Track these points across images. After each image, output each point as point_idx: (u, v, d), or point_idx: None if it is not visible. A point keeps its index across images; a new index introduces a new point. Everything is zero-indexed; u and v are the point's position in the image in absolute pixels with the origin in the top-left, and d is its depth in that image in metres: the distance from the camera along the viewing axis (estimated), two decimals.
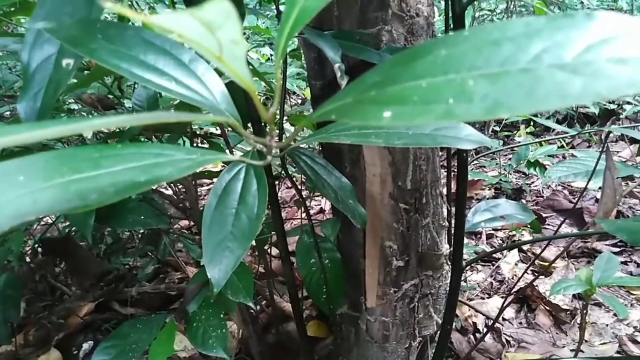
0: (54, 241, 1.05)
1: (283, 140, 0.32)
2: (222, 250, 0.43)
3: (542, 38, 0.19)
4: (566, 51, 0.18)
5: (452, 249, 0.85)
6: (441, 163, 0.89)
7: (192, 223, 1.71)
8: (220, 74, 0.34)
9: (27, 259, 1.24)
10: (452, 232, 0.85)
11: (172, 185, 1.03)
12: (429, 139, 0.37)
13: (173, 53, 0.32)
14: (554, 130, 2.65)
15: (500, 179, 2.14)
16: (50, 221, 1.18)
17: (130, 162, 0.23)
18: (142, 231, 1.47)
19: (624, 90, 0.16)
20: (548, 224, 1.82)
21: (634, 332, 1.21)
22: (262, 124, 0.65)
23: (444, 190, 0.91)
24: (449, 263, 0.92)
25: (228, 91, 0.37)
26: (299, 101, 2.76)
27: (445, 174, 1.00)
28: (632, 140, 2.40)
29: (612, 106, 2.86)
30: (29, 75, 0.35)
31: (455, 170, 0.78)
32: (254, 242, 1.41)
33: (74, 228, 1.29)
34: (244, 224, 0.44)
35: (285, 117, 0.93)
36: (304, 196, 1.02)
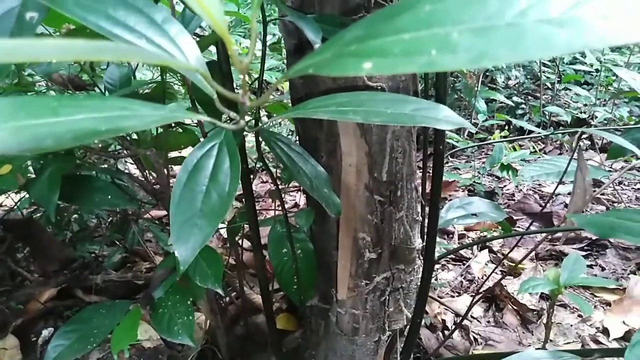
0: (16, 222, 1.01)
1: (258, 99, 0.30)
2: (190, 228, 0.42)
3: None
4: (552, 7, 0.18)
5: (424, 243, 0.85)
6: (418, 161, 0.89)
7: (163, 213, 1.67)
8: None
9: None
10: (426, 227, 0.85)
11: (144, 171, 1.00)
12: (408, 118, 0.37)
13: (145, 11, 0.30)
14: (528, 134, 2.70)
15: (474, 181, 2.17)
16: (12, 204, 1.13)
17: (92, 113, 0.22)
18: (110, 219, 1.43)
19: (610, 41, 0.15)
20: (518, 227, 1.86)
21: (596, 332, 1.24)
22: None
23: (419, 186, 0.91)
24: (421, 258, 0.92)
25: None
26: (279, 94, 2.74)
27: (421, 169, 1.00)
28: (602, 149, 2.47)
29: (584, 115, 2.94)
30: None
31: (430, 169, 0.78)
32: (225, 234, 1.39)
33: (38, 213, 1.24)
34: (214, 201, 0.43)
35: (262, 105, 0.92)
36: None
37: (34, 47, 0.14)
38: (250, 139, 2.05)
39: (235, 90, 0.67)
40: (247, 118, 0.32)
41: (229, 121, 0.36)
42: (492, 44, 0.17)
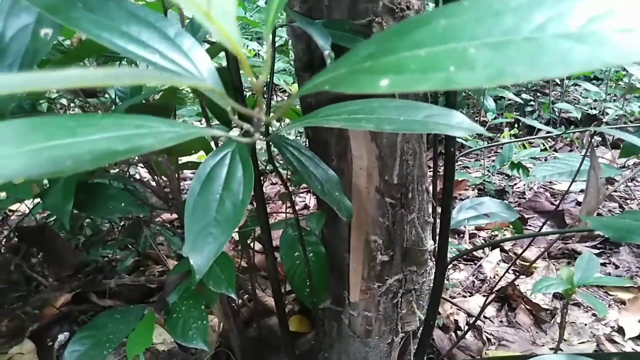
0: (30, 229, 1.02)
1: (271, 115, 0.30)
2: (204, 237, 0.42)
3: (546, 9, 0.18)
4: (570, 21, 0.17)
5: (436, 245, 0.85)
6: (428, 160, 0.89)
7: (174, 216, 1.68)
8: (210, 44, 0.32)
9: (2, 249, 1.20)
10: (437, 228, 0.85)
11: (155, 175, 1.00)
12: (421, 125, 0.37)
13: (157, 26, 0.31)
14: (537, 132, 2.68)
15: (484, 180, 2.16)
16: (27, 210, 1.14)
17: (109, 132, 0.22)
18: (122, 223, 1.45)
19: (630, 57, 0.15)
20: (530, 225, 1.84)
21: (611, 331, 1.23)
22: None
23: (430, 187, 0.90)
24: (433, 259, 0.92)
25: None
26: (286, 97, 2.74)
27: (432, 170, 1.00)
28: (614, 145, 2.44)
29: (594, 112, 2.91)
30: (4, 45, 0.33)
31: (441, 169, 0.77)
32: (237, 237, 1.40)
33: (52, 218, 1.25)
34: (228, 210, 0.43)
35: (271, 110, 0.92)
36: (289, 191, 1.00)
37: (58, 77, 0.15)
38: (259, 142, 2.06)
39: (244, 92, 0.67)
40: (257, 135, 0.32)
41: (240, 131, 0.36)
42: (510, 59, 0.17)
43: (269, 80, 0.68)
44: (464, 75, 0.17)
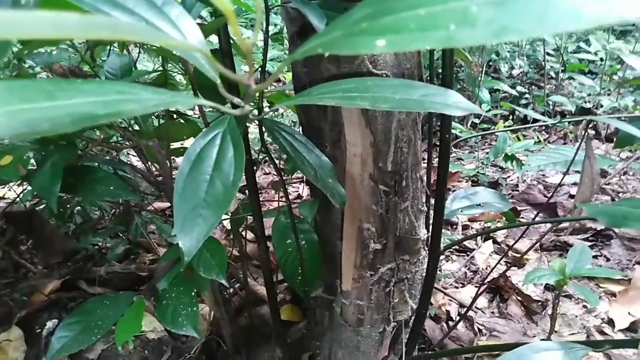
0: (18, 214, 1.00)
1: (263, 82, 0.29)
2: (194, 218, 0.41)
3: None
4: None
5: (429, 234, 0.84)
6: (422, 152, 0.88)
7: (165, 205, 1.67)
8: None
9: None
10: (431, 218, 0.84)
11: (146, 161, 0.99)
12: (416, 104, 0.36)
13: None
14: (533, 123, 2.68)
15: (478, 172, 2.16)
16: (14, 196, 1.12)
17: (90, 97, 0.21)
18: (113, 211, 1.43)
19: None
20: (522, 217, 1.85)
21: (601, 323, 1.24)
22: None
23: (424, 176, 0.90)
24: (426, 249, 0.91)
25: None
26: (281, 84, 2.72)
27: (426, 161, 0.99)
28: (607, 139, 2.45)
29: (588, 105, 2.92)
30: None
31: (435, 160, 0.77)
32: (228, 225, 1.38)
33: (41, 206, 1.24)
34: (219, 191, 0.42)
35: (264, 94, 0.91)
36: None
37: (25, 21, 0.13)
38: (252, 131, 2.04)
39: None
40: (248, 107, 0.31)
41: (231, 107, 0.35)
42: (514, 16, 0.16)
43: (260, 58, 0.66)
44: (465, 33, 0.16)
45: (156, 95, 0.23)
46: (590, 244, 1.60)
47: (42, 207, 1.23)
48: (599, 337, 1.19)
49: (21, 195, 1.13)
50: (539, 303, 1.32)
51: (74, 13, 0.14)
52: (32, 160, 0.79)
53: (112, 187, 0.68)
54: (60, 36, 0.14)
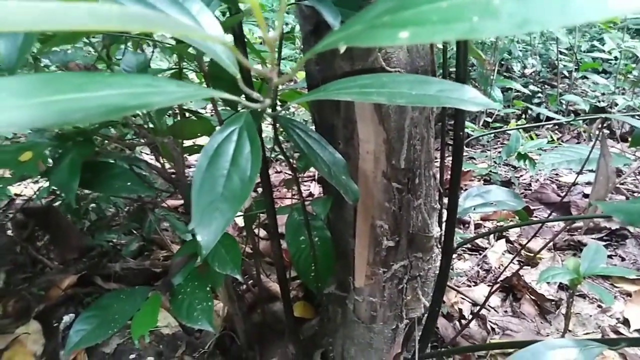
0: (36, 210, 1.02)
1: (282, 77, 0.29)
2: (212, 212, 0.42)
3: None
4: None
5: (443, 231, 0.84)
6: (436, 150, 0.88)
7: (179, 202, 1.69)
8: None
9: (7, 231, 1.21)
10: (444, 216, 0.84)
11: (160, 158, 1.00)
12: (433, 99, 0.36)
13: None
14: (546, 122, 2.66)
15: (490, 171, 2.15)
16: (32, 192, 1.14)
17: (119, 89, 0.22)
18: (127, 208, 1.45)
19: None
20: (535, 216, 1.83)
21: (616, 323, 1.22)
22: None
23: (437, 173, 0.90)
24: (439, 246, 0.91)
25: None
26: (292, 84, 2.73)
27: (439, 160, 0.99)
28: (622, 139, 2.42)
29: (602, 104, 2.88)
30: None
31: (448, 159, 0.76)
32: (241, 223, 1.39)
33: (57, 202, 1.26)
34: (236, 185, 0.42)
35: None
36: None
37: (63, 12, 0.14)
38: (265, 130, 2.05)
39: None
40: (268, 101, 0.31)
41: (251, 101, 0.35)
42: (537, 6, 0.16)
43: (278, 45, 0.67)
44: (488, 24, 0.16)
45: (181, 88, 0.23)
46: (604, 243, 1.59)
47: (57, 203, 1.25)
48: (614, 337, 1.18)
49: (38, 191, 1.15)
50: (553, 302, 1.31)
51: (107, 4, 0.15)
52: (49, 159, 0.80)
53: (128, 183, 0.69)
54: (97, 27, 0.15)
